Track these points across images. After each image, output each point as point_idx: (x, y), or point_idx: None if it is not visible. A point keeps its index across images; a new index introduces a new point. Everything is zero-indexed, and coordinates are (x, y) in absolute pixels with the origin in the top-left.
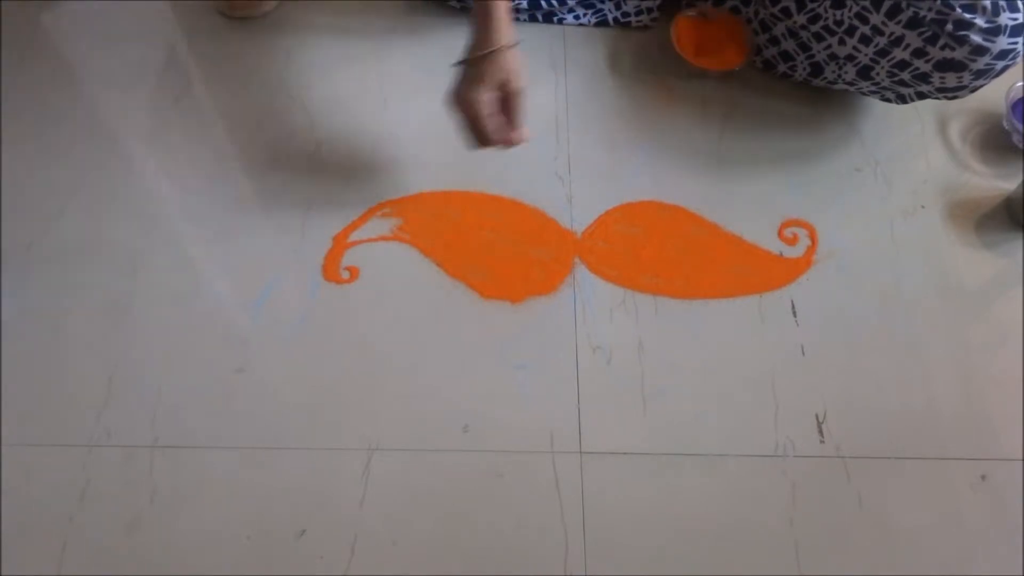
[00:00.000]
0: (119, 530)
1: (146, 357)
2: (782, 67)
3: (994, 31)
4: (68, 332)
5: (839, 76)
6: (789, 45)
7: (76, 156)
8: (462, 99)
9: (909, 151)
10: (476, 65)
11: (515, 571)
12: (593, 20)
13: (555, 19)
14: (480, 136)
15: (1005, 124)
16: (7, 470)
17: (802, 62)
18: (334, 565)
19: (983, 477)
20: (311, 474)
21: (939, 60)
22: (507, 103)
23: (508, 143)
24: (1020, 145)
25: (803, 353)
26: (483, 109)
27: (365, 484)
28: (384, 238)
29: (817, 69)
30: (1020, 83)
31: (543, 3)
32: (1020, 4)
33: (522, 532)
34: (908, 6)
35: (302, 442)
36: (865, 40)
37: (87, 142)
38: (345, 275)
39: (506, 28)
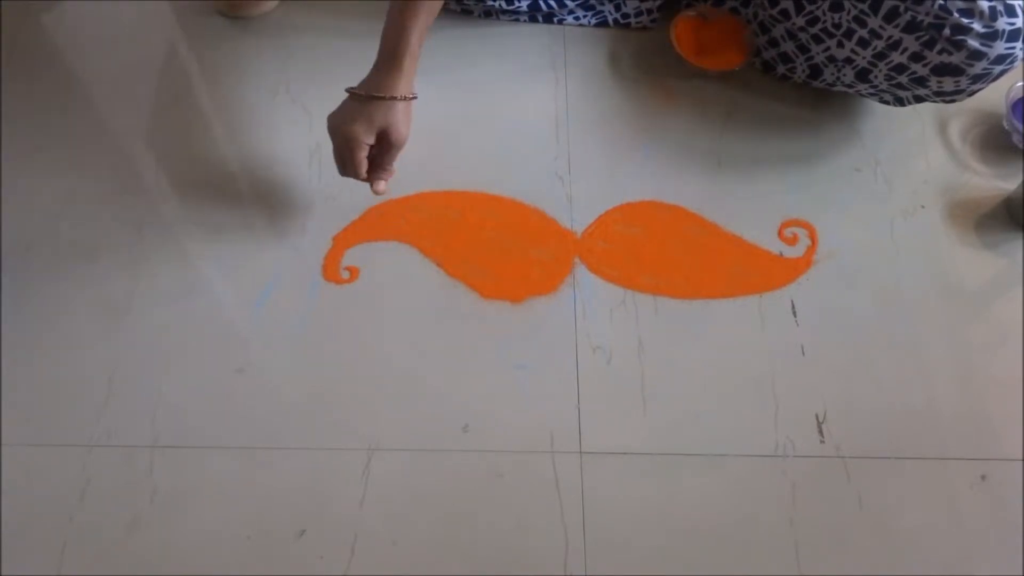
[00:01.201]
0: (119, 530)
1: (146, 357)
2: (781, 69)
3: (991, 36)
4: (68, 332)
5: (838, 78)
6: (788, 47)
7: (76, 156)
8: (341, 131)
9: (909, 151)
10: (366, 104)
11: (515, 571)
12: (593, 21)
13: (555, 20)
14: (347, 169)
15: (1005, 124)
16: (7, 470)
17: (801, 64)
18: (334, 565)
19: (983, 477)
20: (311, 474)
21: (937, 64)
22: (382, 150)
23: (370, 184)
24: (1020, 145)
25: (803, 353)
26: (357, 147)
27: (365, 484)
28: (384, 238)
29: (816, 71)
30: (1020, 83)
31: (543, 4)
32: (1018, 9)
33: (522, 532)
34: (906, 10)
35: (302, 442)
36: (863, 43)
37: (87, 142)
38: (345, 275)
39: (408, 79)
